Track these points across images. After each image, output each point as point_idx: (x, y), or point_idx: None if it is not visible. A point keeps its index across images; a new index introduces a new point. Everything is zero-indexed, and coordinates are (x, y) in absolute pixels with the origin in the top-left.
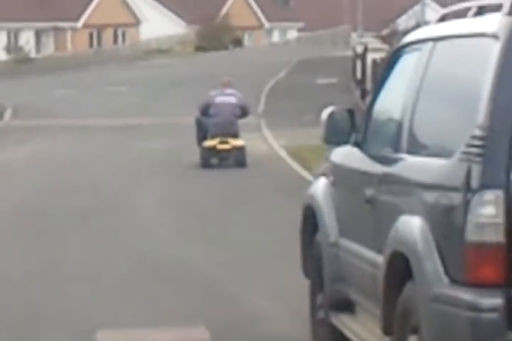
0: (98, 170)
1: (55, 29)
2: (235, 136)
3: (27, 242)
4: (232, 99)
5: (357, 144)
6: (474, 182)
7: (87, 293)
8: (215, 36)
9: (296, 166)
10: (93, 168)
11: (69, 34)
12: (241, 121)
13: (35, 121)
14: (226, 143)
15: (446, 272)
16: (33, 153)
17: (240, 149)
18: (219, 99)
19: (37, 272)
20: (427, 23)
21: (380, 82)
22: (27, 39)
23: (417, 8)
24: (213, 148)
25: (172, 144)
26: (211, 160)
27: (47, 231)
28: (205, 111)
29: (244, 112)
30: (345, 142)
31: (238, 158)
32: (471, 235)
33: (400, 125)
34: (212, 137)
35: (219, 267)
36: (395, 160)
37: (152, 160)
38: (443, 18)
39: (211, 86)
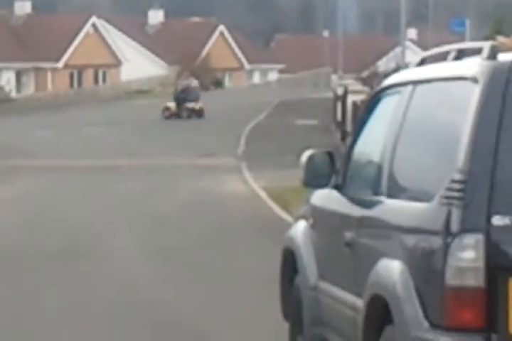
0: (76, 211)
1: (36, 69)
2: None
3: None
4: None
5: (337, 187)
6: (454, 226)
7: (63, 336)
8: (196, 77)
9: (275, 208)
10: (71, 209)
11: (49, 74)
12: (221, 163)
13: (14, 161)
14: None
15: (426, 316)
16: (12, 194)
17: (199, 109)
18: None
19: (12, 313)
20: (407, 65)
21: (360, 124)
22: (7, 79)
23: (397, 50)
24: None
25: (150, 185)
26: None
27: (22, 271)
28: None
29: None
30: (325, 185)
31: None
32: (451, 279)
33: (379, 168)
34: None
35: (197, 309)
36: (375, 203)
37: (131, 202)
38: (423, 62)
39: (191, 126)
